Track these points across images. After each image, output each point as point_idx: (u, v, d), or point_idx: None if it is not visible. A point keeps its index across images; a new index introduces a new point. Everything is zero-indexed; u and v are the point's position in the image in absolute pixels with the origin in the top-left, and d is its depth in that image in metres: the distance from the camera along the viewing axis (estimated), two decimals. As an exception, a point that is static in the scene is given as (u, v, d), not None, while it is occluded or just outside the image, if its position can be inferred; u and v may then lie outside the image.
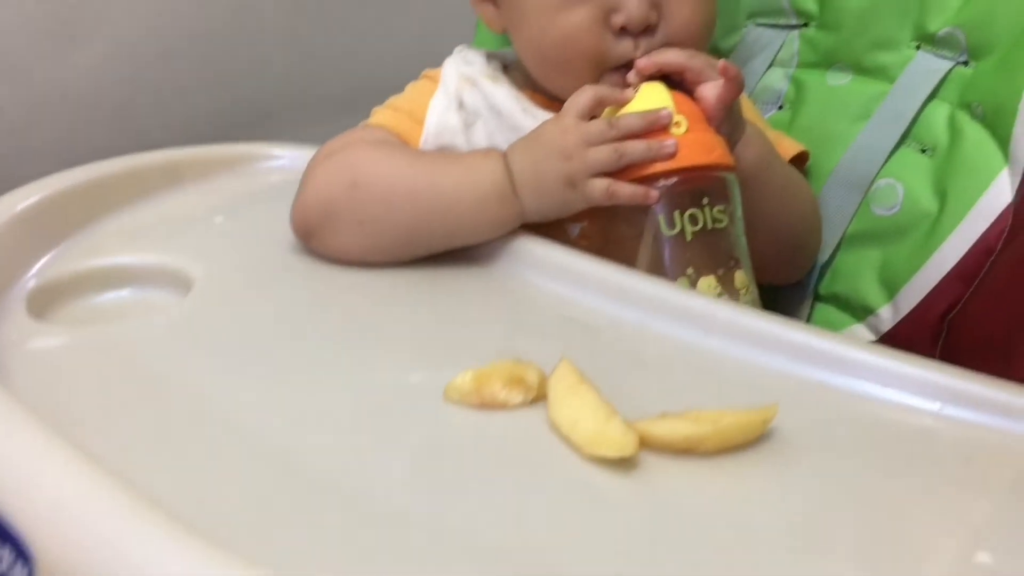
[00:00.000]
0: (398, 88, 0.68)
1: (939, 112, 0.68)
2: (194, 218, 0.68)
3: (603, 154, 0.56)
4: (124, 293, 0.62)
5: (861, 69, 0.73)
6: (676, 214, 0.55)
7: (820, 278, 0.72)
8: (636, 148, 0.55)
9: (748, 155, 0.61)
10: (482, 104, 0.66)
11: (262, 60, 1.02)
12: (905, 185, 0.68)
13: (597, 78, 0.63)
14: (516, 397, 0.44)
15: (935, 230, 0.66)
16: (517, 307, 0.57)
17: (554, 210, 0.58)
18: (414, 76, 0.69)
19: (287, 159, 0.78)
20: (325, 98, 1.08)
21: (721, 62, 0.58)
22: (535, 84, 0.67)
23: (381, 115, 0.67)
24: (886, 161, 0.69)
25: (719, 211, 0.56)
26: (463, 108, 0.66)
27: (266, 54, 1.02)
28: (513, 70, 0.69)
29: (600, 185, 0.56)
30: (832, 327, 0.71)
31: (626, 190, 0.56)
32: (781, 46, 0.77)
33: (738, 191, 0.57)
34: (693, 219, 0.55)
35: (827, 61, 0.75)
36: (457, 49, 0.71)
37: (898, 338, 0.67)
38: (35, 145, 0.87)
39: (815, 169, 0.72)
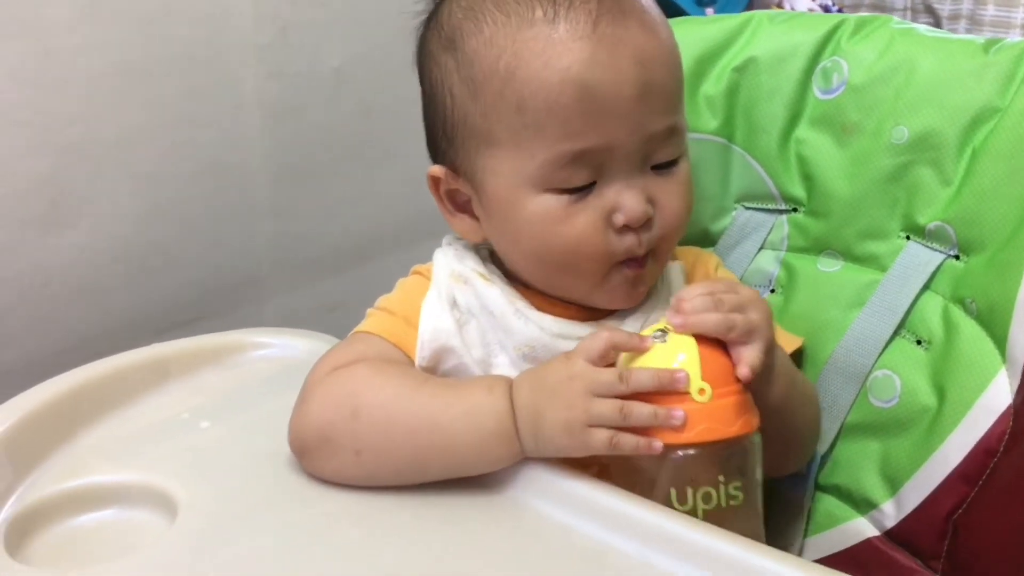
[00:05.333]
0: (382, 247, 0.65)
1: (933, 304, 0.68)
2: (179, 423, 0.66)
3: (607, 409, 0.54)
4: (107, 513, 0.60)
5: (852, 257, 0.73)
6: (689, 490, 0.53)
7: (820, 467, 0.71)
8: (643, 412, 0.53)
9: (774, 393, 0.59)
10: (475, 303, 0.65)
11: (250, 227, 1.01)
12: (902, 378, 0.68)
13: (605, 274, 0.63)
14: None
15: (935, 427, 0.65)
16: (521, 538, 0.55)
17: (552, 454, 0.56)
18: (398, 235, 0.67)
19: (277, 347, 0.77)
20: (314, 260, 1.07)
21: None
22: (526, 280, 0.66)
23: (376, 320, 0.65)
24: (882, 352, 0.69)
25: (735, 487, 0.53)
26: (456, 307, 0.65)
27: (254, 221, 1.01)
28: (501, 261, 0.68)
29: (602, 436, 0.54)
30: (834, 519, 0.70)
31: (630, 442, 0.53)
32: (771, 229, 0.77)
33: (760, 451, 0.55)
34: (707, 497, 0.52)
35: (817, 247, 0.75)
36: (446, 240, 0.70)
37: (903, 535, 0.66)
38: (14, 330, 0.85)
39: (811, 357, 0.72)
